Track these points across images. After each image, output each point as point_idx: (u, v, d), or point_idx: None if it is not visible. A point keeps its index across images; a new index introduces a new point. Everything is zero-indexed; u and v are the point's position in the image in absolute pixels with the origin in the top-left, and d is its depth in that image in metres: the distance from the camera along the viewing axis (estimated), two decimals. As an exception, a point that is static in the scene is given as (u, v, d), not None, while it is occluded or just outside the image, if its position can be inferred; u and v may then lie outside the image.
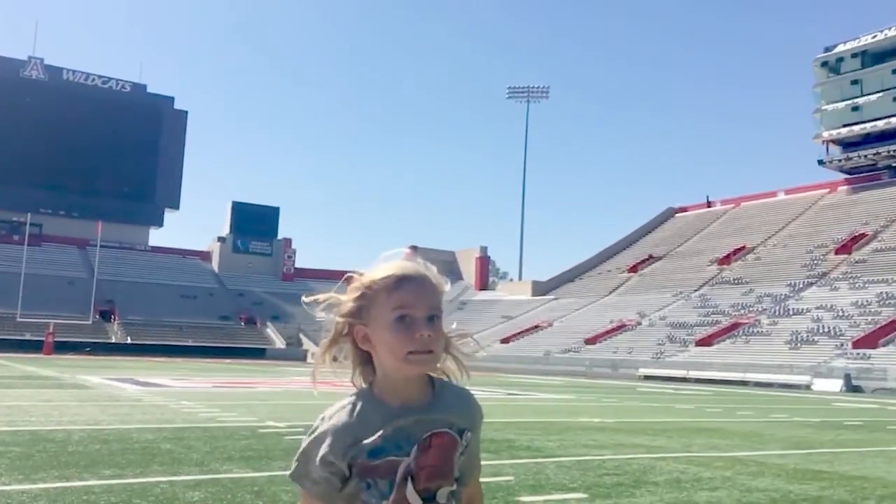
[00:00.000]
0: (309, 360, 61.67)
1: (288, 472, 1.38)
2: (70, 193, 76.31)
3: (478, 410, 1.45)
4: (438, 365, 1.41)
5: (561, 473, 6.28)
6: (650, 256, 76.16)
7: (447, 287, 1.44)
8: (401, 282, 1.36)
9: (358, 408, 1.36)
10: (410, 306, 1.34)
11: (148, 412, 11.05)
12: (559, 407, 15.20)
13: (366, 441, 1.33)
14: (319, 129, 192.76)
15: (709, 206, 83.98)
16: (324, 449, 1.33)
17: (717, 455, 7.88)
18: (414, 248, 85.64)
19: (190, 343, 60.49)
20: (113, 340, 60.20)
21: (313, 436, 1.36)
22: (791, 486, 5.99)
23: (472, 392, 1.45)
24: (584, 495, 5.35)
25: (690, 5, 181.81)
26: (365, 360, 1.41)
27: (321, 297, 1.43)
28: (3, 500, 4.63)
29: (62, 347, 50.56)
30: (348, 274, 1.43)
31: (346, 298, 1.40)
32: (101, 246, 63.90)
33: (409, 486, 1.33)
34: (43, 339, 50.02)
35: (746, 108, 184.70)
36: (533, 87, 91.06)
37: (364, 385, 1.41)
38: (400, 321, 1.34)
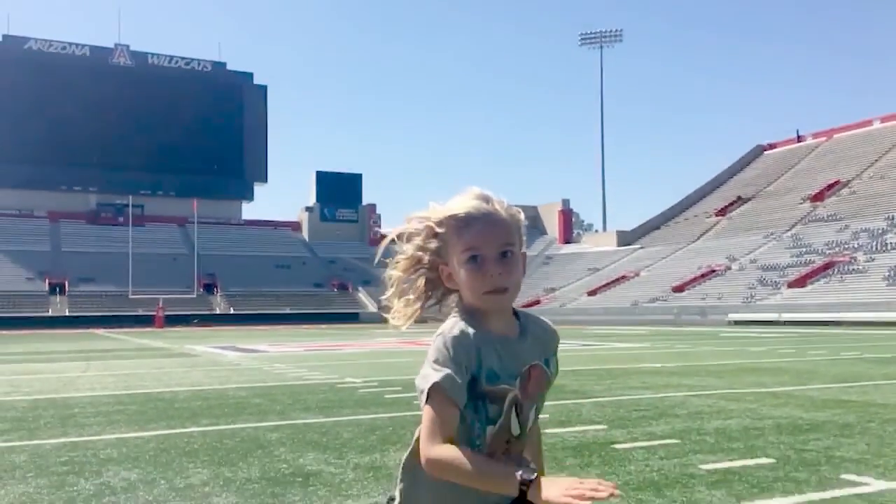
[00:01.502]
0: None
1: (422, 387, 1.36)
2: (165, 174, 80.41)
3: (556, 338, 1.54)
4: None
5: (595, 411, 7.00)
6: (739, 198, 74.17)
7: (521, 216, 1.47)
8: (468, 222, 1.40)
9: (470, 328, 1.39)
10: (480, 246, 1.39)
11: (244, 374, 12.37)
12: (627, 355, 15.78)
13: (485, 361, 1.38)
14: (395, 91, 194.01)
15: (799, 141, 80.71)
16: (457, 354, 1.36)
17: (755, 391, 8.41)
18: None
19: (287, 311, 63.51)
20: (217, 311, 63.85)
21: (440, 345, 1.38)
22: (805, 414, 6.52)
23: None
24: (604, 426, 6.07)
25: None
26: (443, 293, 1.49)
27: (392, 233, 1.51)
28: (123, 444, 5.77)
29: (172, 320, 54.23)
30: (410, 215, 1.50)
31: (422, 234, 1.46)
32: (199, 222, 67.62)
33: (514, 415, 1.43)
34: (154, 313, 53.74)
35: (836, 34, 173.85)
36: (606, 32, 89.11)
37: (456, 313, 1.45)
38: (472, 261, 1.39)
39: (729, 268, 57.30)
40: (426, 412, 1.35)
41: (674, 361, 13.48)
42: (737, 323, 42.93)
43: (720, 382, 9.51)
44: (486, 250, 1.39)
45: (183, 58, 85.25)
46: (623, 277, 64.59)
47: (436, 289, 1.48)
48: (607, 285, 64.07)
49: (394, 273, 1.50)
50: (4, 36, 77.19)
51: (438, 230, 1.43)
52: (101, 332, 43.50)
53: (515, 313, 1.48)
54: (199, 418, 7.07)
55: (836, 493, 3.93)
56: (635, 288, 60.32)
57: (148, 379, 11.65)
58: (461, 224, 1.40)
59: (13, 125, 73.89)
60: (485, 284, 1.38)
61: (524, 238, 1.47)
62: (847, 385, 8.97)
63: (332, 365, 13.71)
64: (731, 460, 4.71)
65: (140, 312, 56.48)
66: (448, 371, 1.34)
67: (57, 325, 53.21)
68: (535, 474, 1.28)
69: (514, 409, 1.42)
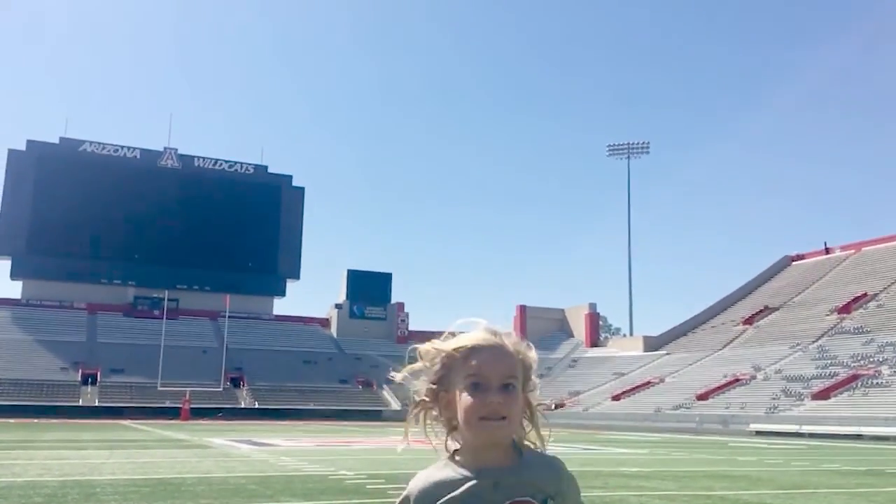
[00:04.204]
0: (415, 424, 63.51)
1: None
2: (202, 269, 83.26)
3: (566, 477, 1.44)
4: (521, 436, 1.45)
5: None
6: (766, 307, 74.19)
7: (532, 353, 1.49)
8: (475, 350, 1.42)
9: (440, 472, 1.42)
10: (483, 374, 1.40)
11: (250, 465, 13.49)
12: (615, 459, 16.52)
13: (442, 500, 1.37)
14: (426, 194, 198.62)
15: (827, 253, 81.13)
16: None
17: (695, 494, 9.33)
18: (523, 307, 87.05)
19: (311, 406, 64.18)
20: (242, 405, 64.68)
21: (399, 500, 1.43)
22: (714, 513, 7.49)
23: (556, 453, 1.48)
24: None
25: (788, 49, 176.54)
26: (453, 427, 1.47)
27: (405, 371, 1.54)
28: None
29: (197, 413, 55.19)
30: (444, 335, 1.51)
31: (430, 367, 1.48)
32: (230, 317, 69.64)
33: None
34: (180, 405, 54.88)
35: (865, 149, 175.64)
36: (633, 144, 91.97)
37: (451, 451, 1.46)
38: (474, 388, 1.40)
39: (754, 377, 56.99)
40: None
41: (654, 467, 14.26)
42: (758, 433, 42.58)
43: (673, 486, 10.41)
44: (488, 379, 1.41)
45: (227, 161, 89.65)
46: (648, 383, 64.39)
47: (444, 421, 1.50)
48: (632, 390, 63.83)
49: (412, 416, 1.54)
50: (61, 139, 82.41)
51: (446, 360, 1.46)
52: (127, 423, 44.66)
53: (518, 449, 1.45)
54: (199, 498, 8.26)
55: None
56: (659, 394, 60.06)
57: (163, 466, 12.84)
58: (467, 352, 1.44)
59: (62, 221, 77.82)
60: (482, 410, 1.39)
61: (534, 379, 1.49)
62: (785, 492, 9.82)
63: (334, 459, 14.73)
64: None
65: (167, 404, 57.64)
66: None
67: (86, 415, 54.41)
68: None
69: None
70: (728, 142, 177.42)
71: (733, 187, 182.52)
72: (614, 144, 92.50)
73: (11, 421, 42.78)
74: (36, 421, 44.45)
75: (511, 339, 1.48)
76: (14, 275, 78.61)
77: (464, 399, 1.41)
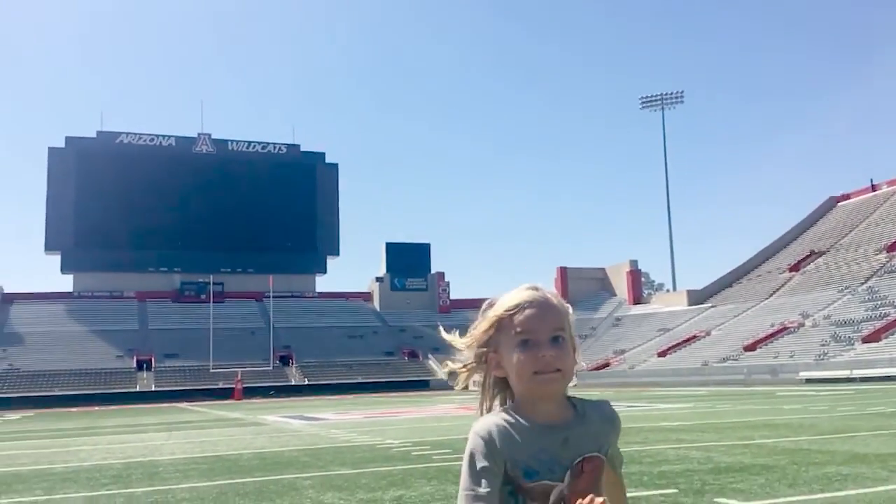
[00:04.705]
0: (470, 388, 64.30)
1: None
2: (244, 252, 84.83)
3: (617, 419, 1.49)
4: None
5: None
6: (812, 252, 72.94)
7: (570, 310, 1.50)
8: (523, 307, 1.43)
9: (507, 422, 1.40)
10: (533, 330, 1.41)
11: (302, 439, 14.02)
12: (659, 415, 16.72)
13: (518, 459, 1.36)
14: (460, 162, 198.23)
15: (874, 190, 79.10)
16: (482, 462, 1.35)
17: (732, 443, 9.51)
18: (564, 268, 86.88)
19: (359, 380, 65.44)
20: (292, 383, 66.26)
21: (468, 455, 1.38)
22: (747, 460, 7.68)
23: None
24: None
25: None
26: (503, 387, 1.48)
27: (456, 341, 1.55)
28: (194, 490, 7.46)
29: (249, 392, 56.72)
30: (487, 301, 1.52)
31: (479, 331, 1.48)
32: (275, 297, 70.96)
33: None
34: (233, 386, 56.43)
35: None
36: (666, 94, 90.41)
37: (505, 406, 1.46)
38: (524, 344, 1.41)
39: (802, 324, 56.32)
40: None
41: (696, 420, 14.44)
42: (808, 381, 42.24)
43: (712, 437, 10.61)
44: (537, 334, 1.42)
45: (260, 142, 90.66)
46: (694, 337, 64.08)
47: (493, 383, 1.51)
48: (678, 346, 63.62)
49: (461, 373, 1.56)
50: (98, 132, 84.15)
51: (494, 322, 1.47)
52: (183, 405, 46.15)
53: (571, 401, 1.47)
54: (255, 472, 8.73)
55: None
56: (706, 348, 59.78)
57: (220, 444, 13.43)
58: (513, 311, 1.44)
59: (106, 213, 79.83)
60: (535, 364, 1.40)
61: (574, 334, 1.50)
62: (824, 437, 9.94)
63: (381, 430, 15.22)
64: (637, 490, 6.03)
65: (220, 385, 59.32)
66: (472, 493, 1.35)
67: (144, 400, 56.35)
68: None
69: None
70: (764, 83, 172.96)
71: (772, 130, 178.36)
72: (647, 96, 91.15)
73: (73, 410, 44.55)
74: (97, 408, 46.17)
75: (553, 293, 1.50)
76: (65, 269, 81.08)
77: (515, 357, 1.42)
